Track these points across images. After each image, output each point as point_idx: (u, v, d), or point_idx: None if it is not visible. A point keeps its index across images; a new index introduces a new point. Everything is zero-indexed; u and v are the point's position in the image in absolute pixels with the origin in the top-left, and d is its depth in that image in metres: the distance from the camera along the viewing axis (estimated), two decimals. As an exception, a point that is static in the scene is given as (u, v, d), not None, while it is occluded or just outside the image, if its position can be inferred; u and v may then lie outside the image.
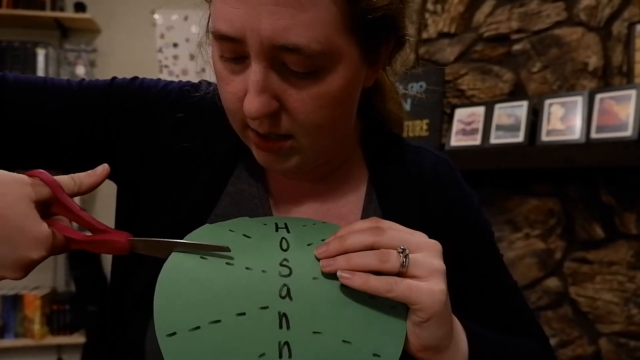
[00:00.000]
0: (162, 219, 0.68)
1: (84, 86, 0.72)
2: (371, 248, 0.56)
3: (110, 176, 0.72)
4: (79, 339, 3.37)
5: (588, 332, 1.97)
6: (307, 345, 0.54)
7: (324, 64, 0.55)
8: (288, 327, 0.54)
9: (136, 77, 0.75)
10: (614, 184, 1.91)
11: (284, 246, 0.60)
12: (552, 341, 2.04)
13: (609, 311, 1.92)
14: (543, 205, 2.08)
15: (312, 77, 0.55)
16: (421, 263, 0.55)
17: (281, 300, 0.56)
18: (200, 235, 0.60)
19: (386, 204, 0.70)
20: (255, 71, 0.54)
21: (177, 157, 0.70)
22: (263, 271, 0.57)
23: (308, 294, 0.56)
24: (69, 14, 3.58)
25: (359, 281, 0.55)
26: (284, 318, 0.55)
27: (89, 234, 0.59)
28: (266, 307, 0.55)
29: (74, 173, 0.60)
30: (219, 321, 0.53)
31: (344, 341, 0.55)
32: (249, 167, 0.71)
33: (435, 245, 0.58)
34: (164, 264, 0.56)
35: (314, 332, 0.55)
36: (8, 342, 3.40)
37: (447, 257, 0.59)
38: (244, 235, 0.60)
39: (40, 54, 3.51)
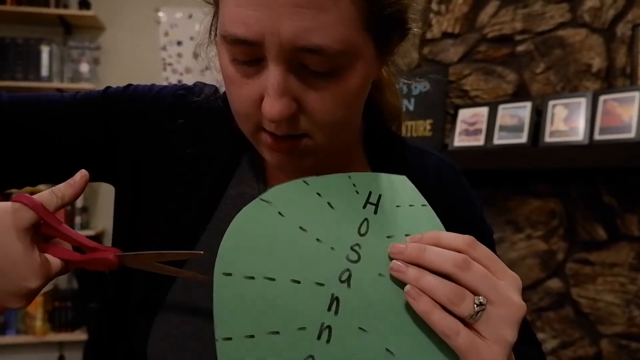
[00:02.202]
0: (163, 223, 0.68)
1: (79, 98, 0.72)
2: (449, 277, 0.51)
3: (111, 181, 0.73)
4: (80, 336, 3.38)
5: (589, 334, 1.96)
6: (348, 337, 0.52)
7: (343, 63, 0.55)
8: (336, 313, 0.53)
9: (129, 85, 0.75)
10: (616, 186, 1.91)
11: (363, 230, 0.57)
12: (554, 342, 2.04)
13: (610, 312, 1.92)
14: (545, 206, 2.08)
15: (331, 77, 0.55)
16: (493, 325, 0.50)
17: (339, 283, 0.54)
18: (287, 191, 0.58)
19: None
20: (274, 74, 0.53)
21: (177, 162, 0.70)
22: (332, 248, 0.55)
23: (368, 287, 0.54)
24: (73, 11, 3.58)
25: (423, 308, 0.51)
26: (335, 302, 0.53)
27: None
28: (322, 285, 0.54)
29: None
30: (273, 279, 0.53)
31: (387, 350, 0.52)
32: (250, 169, 0.71)
33: (519, 309, 0.51)
34: (244, 208, 0.56)
35: (360, 328, 0.53)
36: (10, 338, 3.41)
37: None
38: (328, 203, 0.58)
39: (44, 51, 3.52)
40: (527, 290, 2.12)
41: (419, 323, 0.52)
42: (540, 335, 2.07)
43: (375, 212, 0.58)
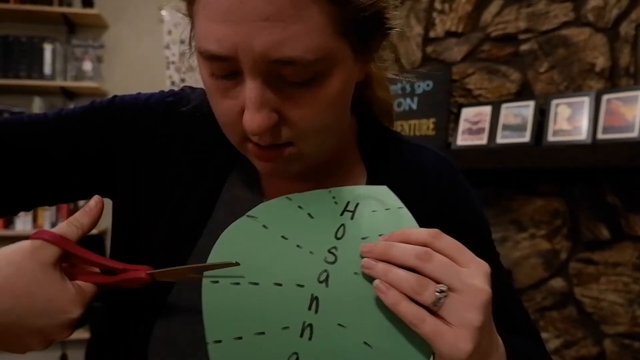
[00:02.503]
0: (160, 230, 0.68)
1: (64, 115, 0.72)
2: (414, 269, 0.54)
3: (107, 193, 0.73)
4: (83, 334, 3.38)
5: (593, 333, 1.96)
6: (328, 334, 0.55)
7: (320, 71, 0.55)
8: (316, 311, 0.56)
9: (115, 96, 0.75)
10: (619, 185, 1.91)
11: (339, 234, 0.60)
12: (557, 342, 2.04)
13: (613, 312, 1.92)
14: (548, 206, 2.08)
15: (309, 85, 0.55)
16: (456, 310, 0.52)
17: (318, 284, 0.57)
18: (271, 207, 0.63)
19: None
20: (251, 88, 0.54)
21: (171, 168, 0.70)
22: (311, 252, 0.59)
23: (344, 286, 0.57)
24: (77, 9, 3.58)
25: (391, 299, 0.54)
26: (315, 301, 0.57)
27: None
28: (302, 286, 0.57)
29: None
30: (257, 284, 0.57)
31: (365, 343, 0.55)
32: (244, 172, 0.71)
33: (482, 293, 0.53)
34: (231, 224, 0.61)
35: (339, 325, 0.56)
36: (13, 336, 3.41)
37: None
38: (308, 214, 0.62)
39: (48, 49, 3.52)
40: (530, 290, 2.12)
41: (392, 316, 0.55)
42: (543, 335, 2.07)
43: (352, 218, 0.62)
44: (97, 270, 0.61)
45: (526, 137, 2.01)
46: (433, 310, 0.53)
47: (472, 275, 0.54)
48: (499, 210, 2.21)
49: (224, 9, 0.51)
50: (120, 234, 0.72)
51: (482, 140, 2.13)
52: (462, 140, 2.20)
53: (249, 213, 0.62)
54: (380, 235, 0.59)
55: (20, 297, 0.55)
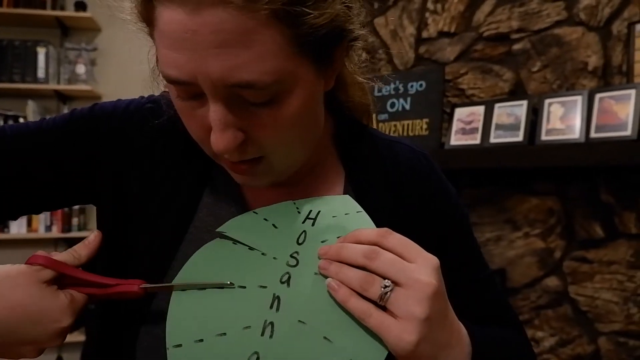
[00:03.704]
0: (143, 236, 0.69)
1: (45, 125, 0.73)
2: (363, 268, 0.57)
3: (92, 201, 0.74)
4: (78, 337, 3.37)
5: (587, 331, 1.97)
6: (289, 330, 0.57)
7: (280, 91, 0.55)
8: (277, 309, 0.59)
9: (95, 104, 0.75)
10: (613, 183, 1.91)
11: (301, 240, 0.64)
12: (552, 340, 2.04)
13: (608, 310, 1.92)
14: (543, 205, 2.08)
15: (270, 105, 0.56)
16: (400, 304, 0.55)
17: (280, 285, 0.60)
18: (239, 223, 0.66)
19: (364, 201, 0.70)
20: (214, 110, 0.55)
21: (152, 175, 0.70)
22: (274, 258, 0.62)
23: (305, 285, 0.60)
24: (70, 12, 3.58)
25: (341, 296, 0.57)
26: (276, 300, 0.59)
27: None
28: (265, 287, 0.60)
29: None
30: (222, 287, 0.60)
31: (325, 338, 0.57)
32: (224, 176, 0.71)
33: (427, 287, 0.55)
34: (203, 246, 0.65)
35: (299, 321, 0.58)
36: (8, 340, 3.40)
37: (426, 250, 0.59)
38: (273, 224, 0.66)
39: (41, 52, 3.51)
40: (525, 289, 2.12)
41: (348, 312, 0.58)
42: (538, 334, 2.07)
43: (313, 225, 0.66)
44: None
45: (519, 137, 2.01)
46: (381, 305, 0.55)
47: (418, 270, 0.56)
48: (493, 210, 2.21)
49: (177, 37, 0.52)
50: (105, 239, 0.72)
51: (476, 140, 2.14)
52: (456, 140, 2.20)
53: (219, 230, 0.65)
54: (338, 237, 0.63)
55: (14, 308, 0.58)
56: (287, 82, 0.55)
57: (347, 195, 0.69)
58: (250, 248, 0.63)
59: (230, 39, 0.51)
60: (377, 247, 0.58)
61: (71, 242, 3.40)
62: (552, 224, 2.06)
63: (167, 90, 0.77)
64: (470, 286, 0.76)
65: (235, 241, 0.64)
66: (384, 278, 0.56)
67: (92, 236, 0.66)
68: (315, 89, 0.60)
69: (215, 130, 0.56)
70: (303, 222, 0.66)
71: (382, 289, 0.55)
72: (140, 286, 0.62)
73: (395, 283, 0.55)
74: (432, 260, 0.57)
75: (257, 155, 0.60)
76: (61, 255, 0.62)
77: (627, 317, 1.88)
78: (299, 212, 0.67)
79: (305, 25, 0.54)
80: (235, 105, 0.56)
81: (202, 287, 0.61)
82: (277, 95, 0.55)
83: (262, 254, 0.63)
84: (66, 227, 3.50)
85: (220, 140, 0.56)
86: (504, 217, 2.18)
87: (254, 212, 0.67)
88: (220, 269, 0.62)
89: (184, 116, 0.61)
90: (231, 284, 0.60)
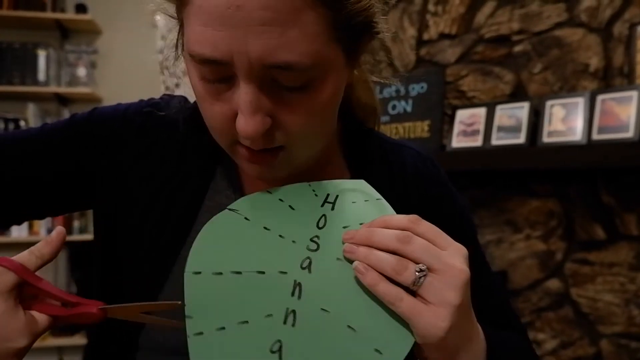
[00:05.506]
0: (143, 241, 0.68)
1: (46, 130, 0.73)
2: (395, 252, 0.55)
3: (92, 207, 0.73)
4: (80, 340, 3.37)
5: (589, 333, 1.96)
6: (312, 319, 0.55)
7: (315, 76, 0.55)
8: (299, 297, 0.56)
9: (95, 108, 0.75)
10: (615, 185, 1.91)
11: (321, 224, 0.62)
12: (553, 342, 2.04)
13: (609, 312, 1.92)
14: (544, 206, 2.08)
15: (304, 90, 0.55)
16: (435, 289, 0.53)
17: (300, 270, 0.58)
18: (252, 200, 0.63)
19: None
20: (246, 92, 0.53)
21: (152, 179, 0.70)
22: (293, 241, 0.60)
23: (327, 271, 0.58)
24: (70, 15, 3.58)
25: (369, 280, 0.55)
26: (297, 287, 0.57)
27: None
28: (285, 273, 0.58)
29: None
30: (239, 273, 0.57)
31: (348, 327, 0.55)
32: (225, 179, 0.71)
33: (461, 273, 0.54)
34: (212, 218, 0.61)
35: (322, 309, 0.56)
36: (9, 343, 3.39)
37: None
38: (289, 206, 0.63)
39: (41, 55, 3.51)
40: (526, 291, 2.11)
41: (374, 298, 0.56)
42: (540, 336, 2.07)
43: (333, 209, 0.63)
44: (57, 303, 0.59)
45: (521, 138, 2.01)
46: (413, 290, 0.54)
47: (451, 256, 0.55)
48: (494, 212, 2.21)
49: (219, 13, 0.50)
50: (104, 245, 0.72)
51: (477, 141, 2.13)
52: (457, 142, 2.20)
53: (229, 206, 0.62)
54: (361, 223, 0.61)
55: None
56: (323, 67, 0.55)
57: (363, 180, 0.67)
58: (266, 228, 0.61)
59: (277, 18, 0.49)
60: (409, 232, 0.56)
61: (72, 245, 3.41)
62: (554, 226, 2.05)
63: (167, 94, 0.77)
64: (477, 290, 0.76)
65: (247, 217, 0.61)
66: (417, 263, 0.54)
67: (54, 233, 0.61)
68: (343, 79, 0.60)
69: (245, 113, 0.54)
70: (322, 206, 0.63)
71: (417, 274, 0.53)
72: (99, 307, 0.58)
73: (429, 269, 0.54)
74: (462, 249, 0.57)
75: (279, 144, 0.59)
76: (25, 257, 0.58)
77: (628, 319, 1.88)
78: (315, 195, 0.65)
79: (345, 10, 0.53)
80: (267, 89, 0.54)
81: (155, 307, 0.58)
82: (311, 81, 0.55)
83: (280, 236, 0.60)
84: (67, 230, 3.50)
85: (249, 124, 0.54)
86: (504, 218, 2.18)
87: (268, 191, 0.64)
88: (234, 250, 0.59)
89: (206, 101, 0.58)
90: (181, 303, 0.56)
